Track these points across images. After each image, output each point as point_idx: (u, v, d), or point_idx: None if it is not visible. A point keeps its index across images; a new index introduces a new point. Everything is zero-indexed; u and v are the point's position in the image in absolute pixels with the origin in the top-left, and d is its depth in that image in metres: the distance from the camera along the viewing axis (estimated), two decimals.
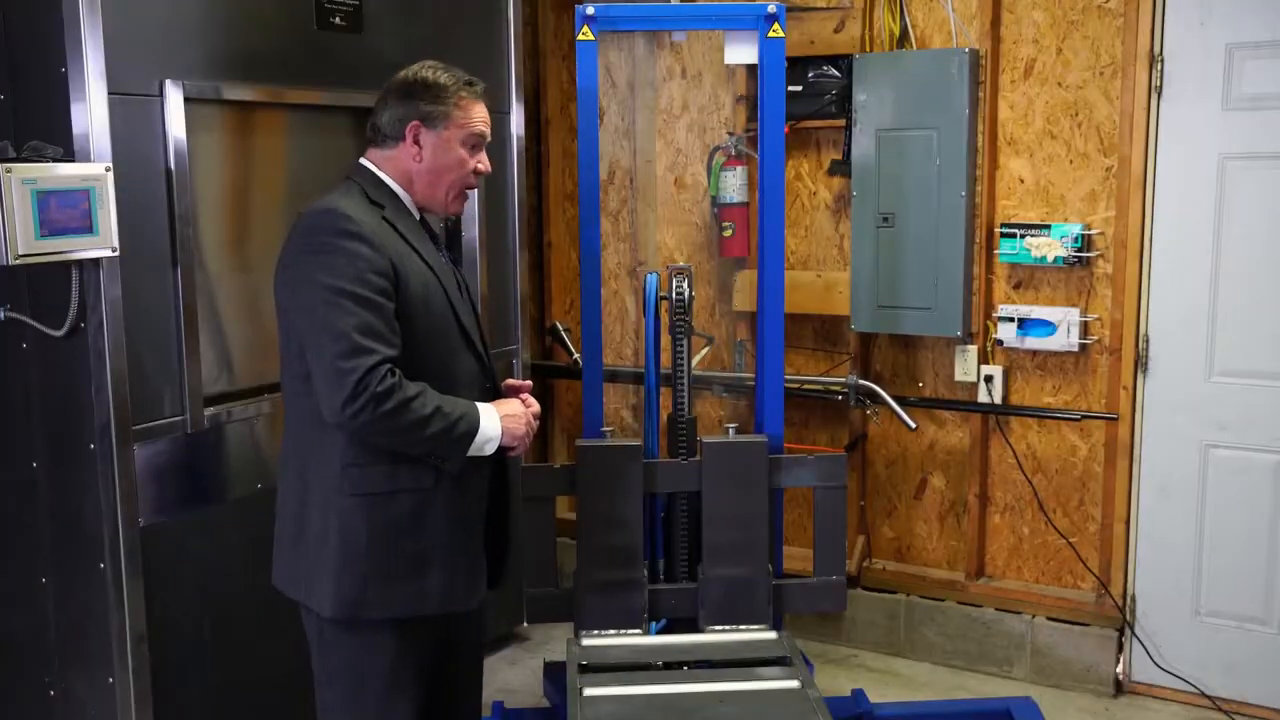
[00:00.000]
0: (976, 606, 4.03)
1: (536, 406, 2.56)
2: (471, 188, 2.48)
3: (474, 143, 2.42)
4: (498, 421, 2.36)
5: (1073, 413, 3.82)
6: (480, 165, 2.45)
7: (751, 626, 3.06)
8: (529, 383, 2.59)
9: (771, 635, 3.02)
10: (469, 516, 2.42)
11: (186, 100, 2.84)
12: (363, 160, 2.44)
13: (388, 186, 2.40)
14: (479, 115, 2.43)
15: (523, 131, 4.04)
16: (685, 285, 3.17)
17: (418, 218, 2.45)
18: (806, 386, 4.14)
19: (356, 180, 2.40)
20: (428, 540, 2.35)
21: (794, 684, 2.66)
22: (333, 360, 2.18)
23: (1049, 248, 3.72)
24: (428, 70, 2.41)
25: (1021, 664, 3.97)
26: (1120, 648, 3.84)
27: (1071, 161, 3.77)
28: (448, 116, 2.38)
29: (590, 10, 3.15)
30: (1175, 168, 3.61)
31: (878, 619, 4.18)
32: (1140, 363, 3.72)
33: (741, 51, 3.25)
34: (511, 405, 2.44)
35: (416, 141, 2.39)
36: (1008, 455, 3.96)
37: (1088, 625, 3.87)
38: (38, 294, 2.74)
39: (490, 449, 2.36)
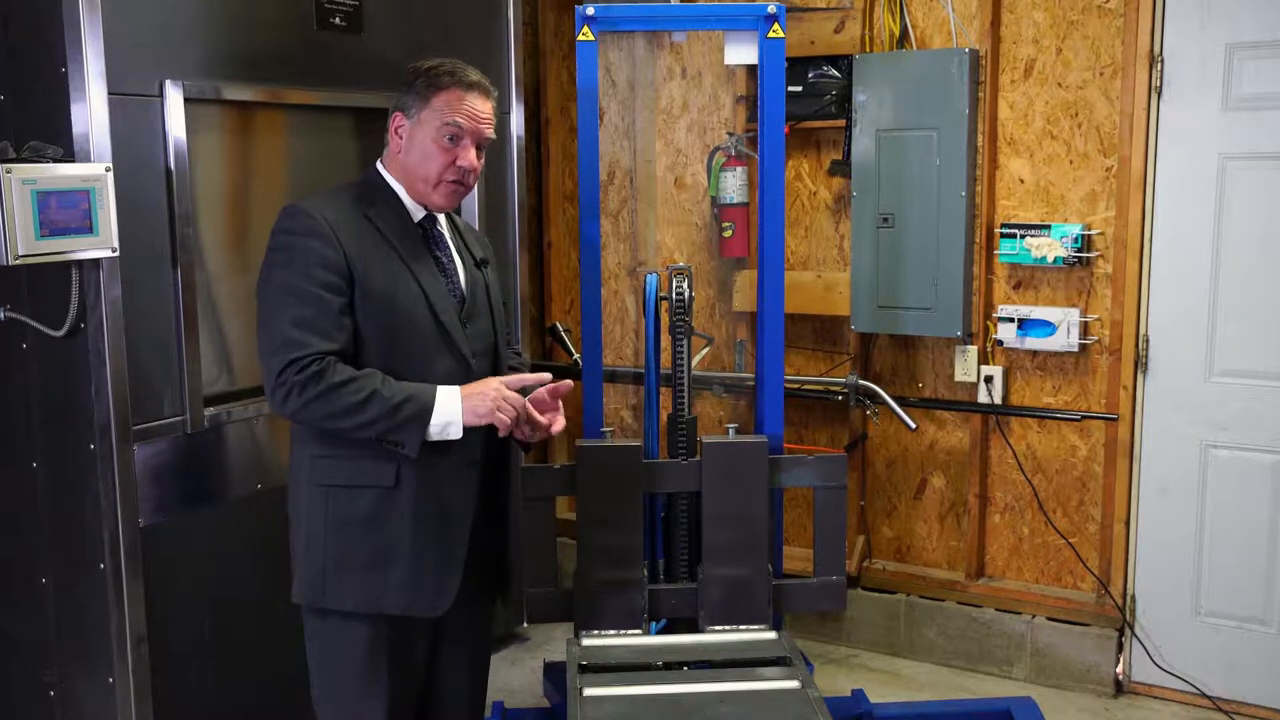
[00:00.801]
0: (976, 606, 4.03)
1: (565, 386, 2.45)
2: (458, 183, 2.38)
3: (450, 134, 2.33)
4: (458, 403, 2.27)
5: (1073, 413, 3.82)
6: (460, 159, 2.34)
7: (751, 626, 3.06)
8: (542, 375, 2.48)
9: (771, 635, 3.02)
10: (444, 519, 2.37)
11: (186, 100, 2.83)
12: (379, 161, 2.45)
13: (385, 186, 2.40)
14: (460, 106, 2.33)
15: (523, 131, 4.04)
16: (685, 285, 3.16)
17: (418, 217, 2.42)
18: (806, 386, 4.14)
19: (357, 179, 2.43)
20: (388, 538, 2.33)
21: (794, 684, 2.65)
22: (265, 353, 2.26)
23: (1049, 248, 3.72)
24: (422, 61, 2.38)
25: (1021, 664, 3.97)
26: (1120, 648, 3.84)
27: (1071, 162, 3.77)
28: (423, 106, 2.34)
29: (590, 10, 3.14)
30: (1175, 168, 3.61)
31: (878, 619, 4.18)
32: (1140, 363, 3.72)
33: (741, 52, 3.25)
34: (481, 384, 2.33)
35: (397, 133, 2.38)
36: (1008, 455, 3.96)
37: (1088, 625, 3.87)
38: (38, 294, 2.73)
39: (455, 432, 2.28)
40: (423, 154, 2.35)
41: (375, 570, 2.34)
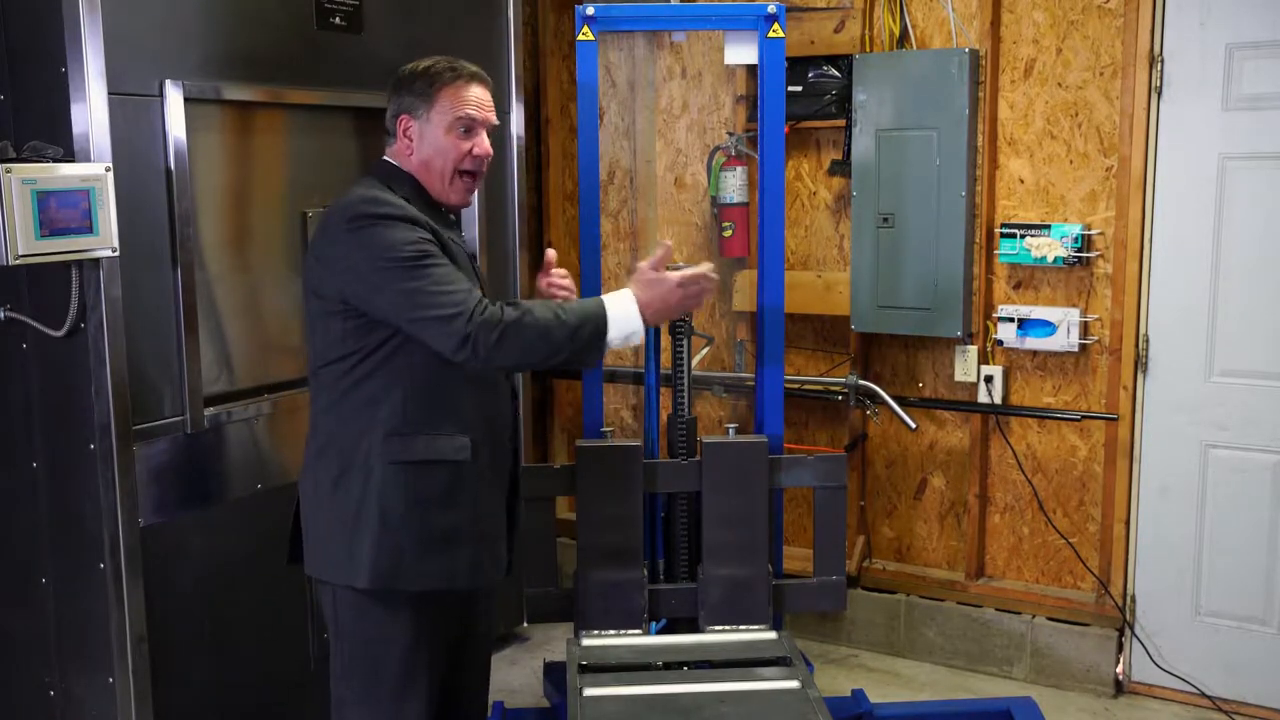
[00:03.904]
0: (976, 606, 4.03)
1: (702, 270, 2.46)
2: (472, 173, 2.44)
3: (463, 126, 2.39)
4: (634, 308, 2.32)
5: (1073, 413, 3.82)
6: (476, 148, 2.41)
7: (751, 626, 3.06)
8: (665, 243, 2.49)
9: (771, 635, 3.02)
10: (494, 495, 2.48)
11: (186, 100, 2.84)
12: (385, 155, 2.48)
13: (411, 178, 2.43)
14: (467, 98, 2.40)
15: (523, 131, 4.03)
16: None
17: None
18: (806, 386, 4.14)
19: (375, 175, 2.44)
20: (459, 515, 2.39)
21: (794, 684, 2.66)
22: (429, 319, 2.23)
23: (1049, 248, 3.72)
24: (416, 62, 2.43)
25: (1021, 664, 3.97)
26: (1120, 648, 3.84)
27: (1071, 161, 3.77)
28: (430, 104, 2.39)
29: (590, 10, 3.14)
30: (1175, 168, 3.61)
31: (878, 619, 4.18)
32: (1140, 363, 3.72)
33: (741, 51, 3.25)
34: (656, 286, 2.35)
35: (406, 134, 2.41)
36: (1008, 455, 3.96)
37: (1088, 625, 3.87)
38: (38, 294, 2.73)
39: (637, 339, 2.34)
40: (436, 149, 2.40)
41: (450, 545, 2.39)
